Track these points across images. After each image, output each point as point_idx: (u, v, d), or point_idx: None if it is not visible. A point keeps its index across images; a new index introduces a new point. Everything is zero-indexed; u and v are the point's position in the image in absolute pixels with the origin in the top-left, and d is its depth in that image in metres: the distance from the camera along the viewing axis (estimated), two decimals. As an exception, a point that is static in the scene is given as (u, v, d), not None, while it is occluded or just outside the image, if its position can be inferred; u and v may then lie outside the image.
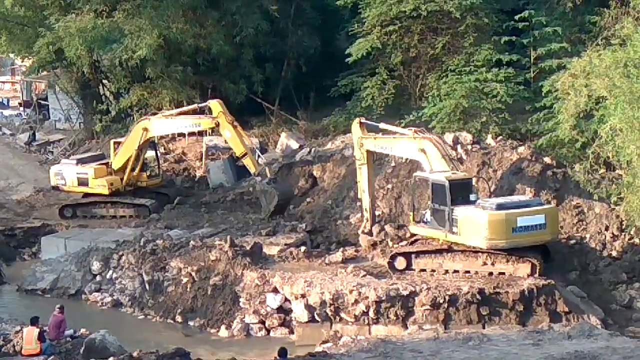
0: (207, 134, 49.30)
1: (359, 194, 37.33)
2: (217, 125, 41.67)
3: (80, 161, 45.66)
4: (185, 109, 43.90)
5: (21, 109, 68.91)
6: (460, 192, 32.37)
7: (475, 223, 31.41)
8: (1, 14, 53.26)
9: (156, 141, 46.41)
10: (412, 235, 34.79)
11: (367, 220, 36.78)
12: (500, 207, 31.58)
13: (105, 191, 44.17)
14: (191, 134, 50.79)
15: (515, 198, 33.86)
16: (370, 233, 36.70)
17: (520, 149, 38.52)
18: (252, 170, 41.90)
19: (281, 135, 49.66)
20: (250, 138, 44.52)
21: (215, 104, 41.77)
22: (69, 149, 56.45)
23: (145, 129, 43.07)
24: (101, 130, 54.22)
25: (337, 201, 40.94)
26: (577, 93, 35.15)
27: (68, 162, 46.48)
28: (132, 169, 44.31)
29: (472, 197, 32.66)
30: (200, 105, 43.32)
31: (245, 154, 41.61)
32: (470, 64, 44.62)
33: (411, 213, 34.50)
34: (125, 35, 48.51)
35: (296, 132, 49.84)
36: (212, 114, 41.87)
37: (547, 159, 38.05)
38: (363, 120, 37.49)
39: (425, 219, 33.44)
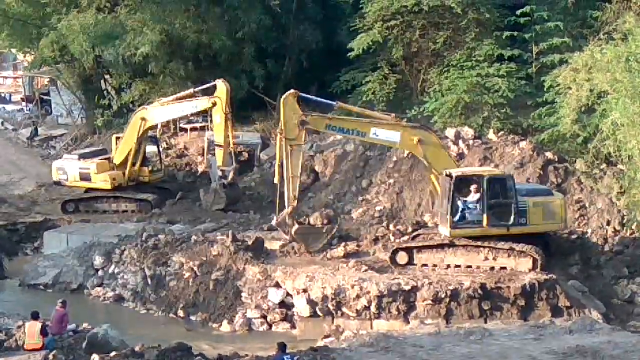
0: (209, 128, 49.34)
1: (286, 177, 33.54)
2: (214, 105, 41.55)
3: (82, 156, 45.68)
4: (181, 94, 43.73)
5: (23, 104, 69.00)
6: None
7: (550, 209, 32.18)
8: (2, 10, 53.30)
9: (158, 136, 46.40)
10: (414, 230, 34.88)
11: (293, 209, 33.93)
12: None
13: (108, 186, 44.18)
14: (193, 129, 51.04)
15: (533, 185, 35.09)
16: (298, 222, 33.99)
17: (522, 144, 38.62)
18: (219, 163, 42.27)
19: (283, 130, 49.64)
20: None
21: (221, 85, 41.58)
22: (71, 143, 56.52)
23: (143, 119, 43.06)
24: (103, 125, 54.32)
25: (339, 196, 40.99)
26: (579, 87, 35.23)
27: (70, 157, 46.53)
28: (133, 163, 44.27)
29: None
30: (196, 89, 43.12)
31: (222, 146, 41.76)
32: (471, 58, 44.61)
33: (440, 216, 32.62)
34: (127, 31, 48.56)
35: (298, 127, 49.78)
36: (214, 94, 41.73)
37: (548, 154, 38.12)
38: (300, 94, 34.48)
39: (469, 218, 32.17)
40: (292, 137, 33.04)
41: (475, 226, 31.94)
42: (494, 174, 32.78)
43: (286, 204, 33.60)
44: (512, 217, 31.84)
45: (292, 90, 33.76)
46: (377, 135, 33.16)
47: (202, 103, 42.21)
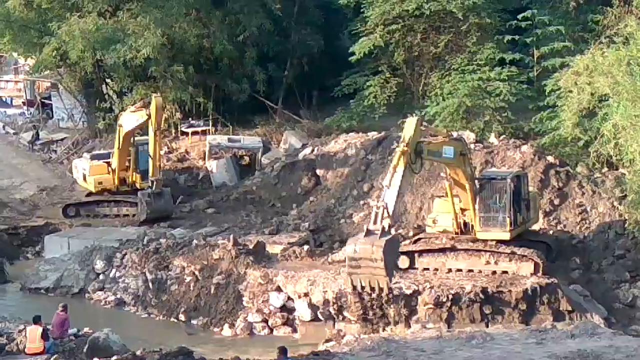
0: (209, 132, 49.28)
1: (390, 188, 27.40)
2: (149, 118, 41.65)
3: (95, 157, 45.92)
4: (138, 104, 43.99)
5: (24, 107, 68.88)
6: None
7: (536, 203, 34.04)
8: (4, 15, 53.36)
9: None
10: (415, 234, 34.86)
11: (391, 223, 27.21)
12: None
13: (93, 189, 44.30)
14: (195, 133, 51.15)
15: None
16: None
17: (524, 148, 38.59)
18: (149, 173, 42.30)
19: (284, 134, 49.73)
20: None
21: (154, 100, 41.71)
22: (72, 147, 56.53)
23: (120, 125, 43.39)
24: (104, 129, 54.34)
25: (340, 200, 40.97)
26: (580, 91, 35.21)
27: (86, 156, 46.94)
28: (125, 168, 44.24)
29: None
30: (146, 100, 43.45)
31: (151, 158, 41.92)
32: (473, 62, 44.67)
33: (485, 221, 32.00)
34: (128, 35, 48.61)
35: (299, 131, 49.89)
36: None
37: (550, 158, 38.10)
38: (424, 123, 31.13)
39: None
40: (412, 161, 28.16)
41: (517, 226, 32.35)
42: (522, 174, 33.87)
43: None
44: (528, 213, 32.92)
45: (416, 117, 29.89)
46: (445, 154, 30.39)
47: (141, 115, 42.28)
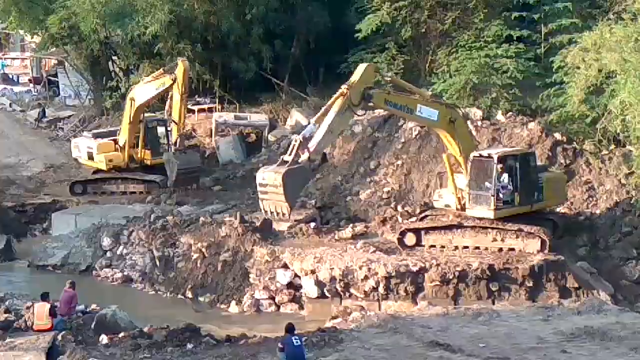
0: (216, 109, 49.14)
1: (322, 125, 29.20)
2: (174, 82, 41.62)
3: (97, 135, 45.86)
4: (156, 73, 43.95)
5: (31, 85, 69.01)
6: None
7: (557, 184, 33.69)
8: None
9: (165, 117, 46.44)
10: (422, 212, 34.86)
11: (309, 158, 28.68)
12: None
13: (104, 167, 44.30)
14: (201, 110, 51.07)
15: None
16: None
17: (531, 125, 38.52)
18: (173, 137, 42.82)
19: (291, 111, 49.65)
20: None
21: (181, 64, 41.77)
22: (79, 125, 56.55)
23: (132, 99, 43.25)
24: (111, 107, 54.33)
25: (346, 177, 40.91)
26: (588, 67, 35.02)
27: (87, 135, 46.80)
28: (134, 145, 44.23)
29: None
30: (166, 67, 43.38)
31: (176, 123, 42.30)
32: (480, 39, 44.36)
33: (474, 198, 32.05)
34: (136, 10, 48.55)
35: (306, 109, 49.75)
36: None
37: (557, 135, 38.02)
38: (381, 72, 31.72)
39: (504, 198, 32.25)
40: (354, 103, 29.51)
41: (510, 206, 31.98)
42: (524, 152, 33.29)
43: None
44: (535, 194, 32.30)
45: (373, 64, 32.12)
46: (422, 113, 31.11)
47: (167, 81, 42.20)
